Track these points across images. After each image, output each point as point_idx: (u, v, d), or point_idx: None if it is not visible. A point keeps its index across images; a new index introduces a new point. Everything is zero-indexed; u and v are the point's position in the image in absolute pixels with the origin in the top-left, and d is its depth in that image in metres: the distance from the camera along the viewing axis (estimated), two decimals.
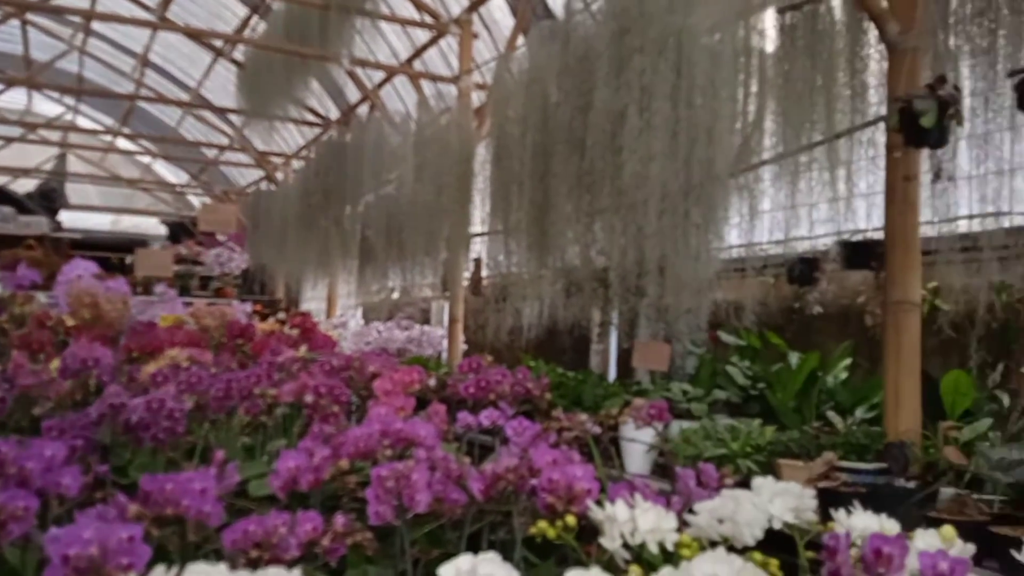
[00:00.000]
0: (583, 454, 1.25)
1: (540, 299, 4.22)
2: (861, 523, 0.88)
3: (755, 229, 3.67)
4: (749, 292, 3.84)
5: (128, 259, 6.73)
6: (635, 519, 0.83)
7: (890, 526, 0.92)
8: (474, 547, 1.16)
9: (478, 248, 5.47)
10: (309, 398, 1.44)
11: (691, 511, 0.99)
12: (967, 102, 2.53)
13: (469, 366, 1.92)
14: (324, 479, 1.08)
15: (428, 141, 4.89)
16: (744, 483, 2.71)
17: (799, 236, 3.37)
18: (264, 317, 5.64)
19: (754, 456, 2.72)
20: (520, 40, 4.97)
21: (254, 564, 0.83)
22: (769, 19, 2.99)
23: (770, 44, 3.11)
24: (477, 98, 5.40)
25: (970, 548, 0.90)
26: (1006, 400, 2.58)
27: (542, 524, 0.91)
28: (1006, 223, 2.62)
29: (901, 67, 2.55)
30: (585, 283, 3.97)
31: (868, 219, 3.13)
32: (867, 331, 3.27)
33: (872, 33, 2.78)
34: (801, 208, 3.30)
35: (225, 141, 10.27)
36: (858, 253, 2.86)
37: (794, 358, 3.38)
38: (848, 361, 3.31)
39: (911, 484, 2.32)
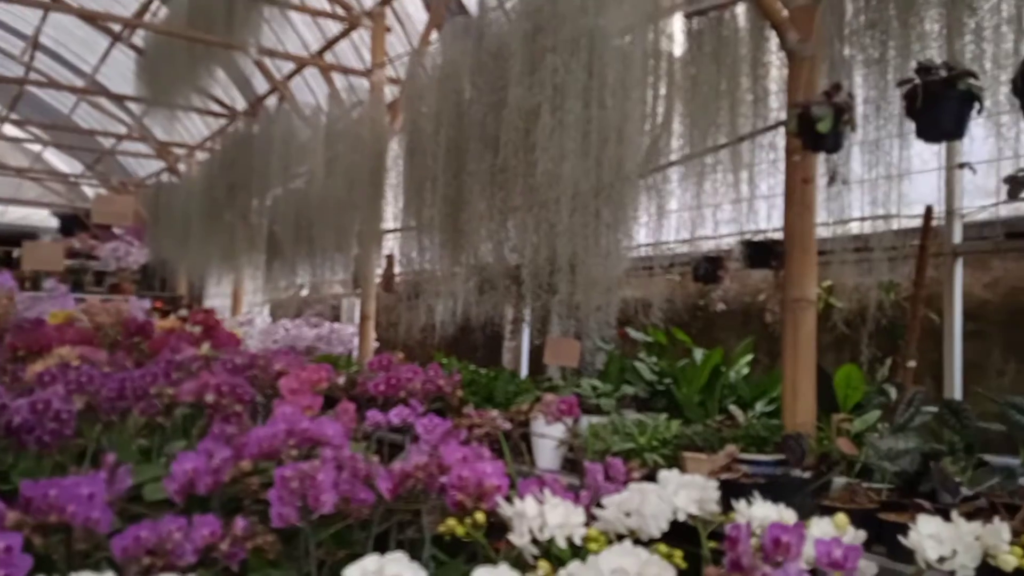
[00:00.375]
0: (493, 451, 1.25)
1: (453, 296, 4.21)
2: (761, 513, 0.91)
3: (662, 228, 3.77)
4: (656, 290, 3.94)
5: (15, 252, 6.33)
6: (544, 514, 0.84)
7: (788, 515, 0.95)
8: (382, 547, 1.14)
9: (390, 244, 5.40)
10: (210, 397, 1.39)
11: (599, 505, 1.00)
12: (860, 109, 2.67)
13: (379, 363, 1.89)
14: (224, 481, 1.04)
15: (339, 135, 4.80)
16: (651, 476, 2.78)
17: (704, 236, 3.48)
18: (165, 314, 5.42)
19: (660, 450, 2.79)
20: (434, 35, 4.93)
21: (147, 572, 0.79)
22: (677, 24, 3.06)
23: (678, 48, 3.19)
24: (390, 93, 5.33)
25: (861, 535, 0.95)
26: (893, 393, 2.72)
27: (451, 522, 0.90)
28: (895, 225, 2.78)
29: (800, 74, 2.66)
30: (498, 280, 3.98)
31: (769, 220, 3.24)
32: (767, 328, 3.40)
33: (774, 41, 2.89)
34: (706, 208, 3.40)
35: (123, 130, 9.81)
36: (759, 252, 2.97)
37: (699, 354, 3.47)
38: (749, 357, 3.43)
39: (807, 474, 2.43)
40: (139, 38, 7.34)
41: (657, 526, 0.89)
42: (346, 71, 6.07)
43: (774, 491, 2.48)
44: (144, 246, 7.53)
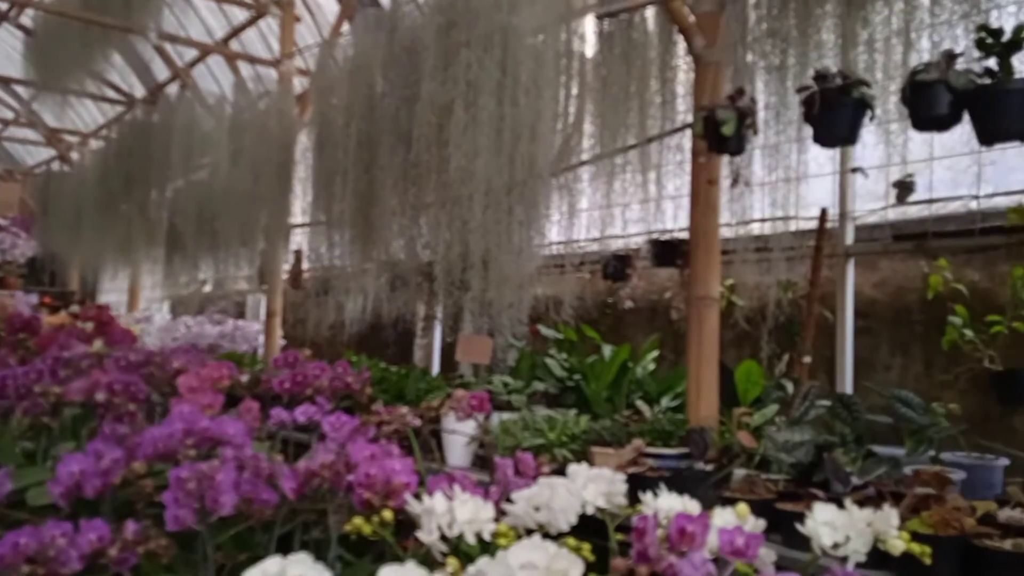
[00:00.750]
0: (403, 448, 1.23)
1: (364, 293, 4.14)
2: (666, 505, 0.93)
3: (573, 227, 3.81)
4: (567, 287, 3.98)
5: None
6: (453, 511, 0.83)
7: (692, 507, 0.97)
8: (286, 549, 1.11)
9: (299, 240, 5.27)
10: (101, 396, 1.32)
11: (509, 500, 1.00)
12: (761, 115, 2.77)
13: (285, 360, 1.84)
14: (115, 484, 0.99)
15: (245, 126, 4.64)
16: (561, 471, 2.80)
17: (614, 235, 3.54)
18: (55, 310, 5.13)
19: (570, 445, 2.82)
20: (345, 27, 4.84)
21: None
22: (589, 25, 3.11)
23: (590, 49, 3.24)
24: (299, 84, 5.20)
25: (761, 523, 0.98)
26: (790, 387, 2.84)
27: (357, 520, 0.88)
28: (792, 226, 2.90)
29: (706, 78, 2.74)
30: (410, 277, 3.94)
31: (675, 220, 3.33)
32: (673, 325, 3.49)
33: (682, 45, 2.96)
34: (616, 208, 3.47)
35: (10, 115, 9.22)
36: (666, 251, 3.05)
37: (608, 350, 3.54)
38: (656, 353, 3.51)
39: (709, 467, 2.51)
40: (28, 18, 6.90)
41: (566, 520, 0.90)
42: (253, 60, 5.89)
43: (679, 483, 2.54)
44: (32, 238, 7.10)
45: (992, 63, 1.79)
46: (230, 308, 6.80)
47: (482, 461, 3.04)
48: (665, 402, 3.19)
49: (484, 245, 3.28)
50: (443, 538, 0.89)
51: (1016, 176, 2.65)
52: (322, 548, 1.18)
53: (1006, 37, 1.76)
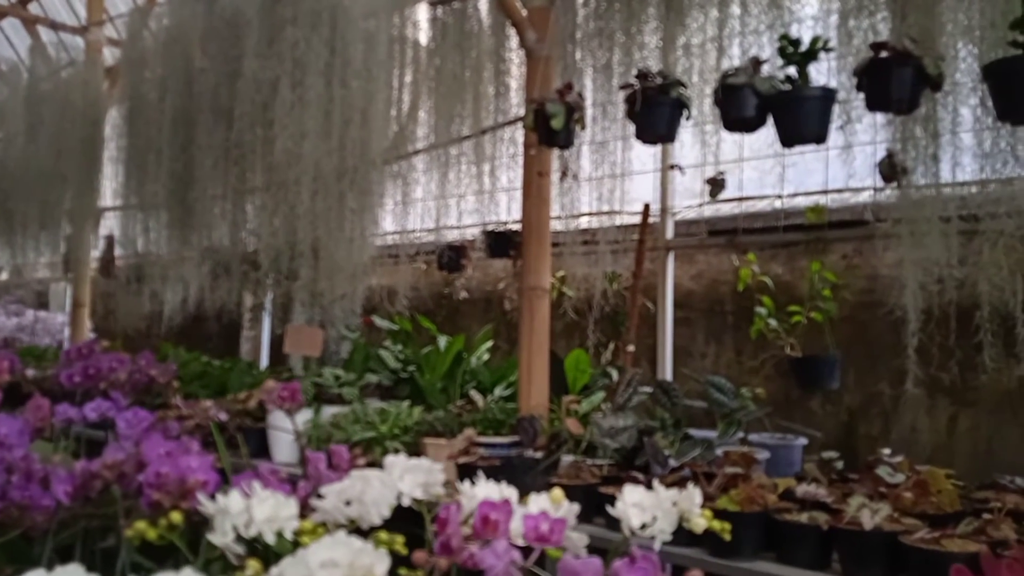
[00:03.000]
0: (208, 444, 1.15)
1: (184, 282, 3.88)
2: (485, 492, 0.92)
3: (409, 216, 3.76)
4: (402, 278, 3.93)
5: None
6: (250, 509, 0.77)
7: (510, 493, 0.97)
8: (70, 557, 1.00)
9: (111, 224, 4.86)
10: None
11: (320, 496, 0.95)
12: (590, 112, 2.85)
13: (79, 352, 1.67)
14: None
15: (45, 97, 4.21)
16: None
17: (449, 225, 3.53)
18: None
19: (402, 437, 2.78)
20: None
21: None
22: (423, 11, 3.06)
23: (424, 37, 3.20)
24: (110, 55, 4.78)
25: (574, 508, 0.98)
26: (615, 375, 2.94)
27: (140, 525, 0.80)
28: (618, 220, 3.01)
29: (537, 72, 2.77)
30: (233, 265, 3.73)
31: (509, 212, 3.36)
32: (507, 315, 3.53)
33: (515, 38, 2.99)
34: (451, 198, 3.45)
35: None
36: (499, 242, 3.06)
37: (443, 341, 3.52)
38: (490, 343, 3.54)
39: (539, 454, 2.55)
40: None
41: (379, 513, 0.86)
42: (56, 27, 5.35)
43: (509, 471, 2.59)
44: None
45: (792, 71, 1.92)
46: (29, 298, 6.18)
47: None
48: (499, 391, 3.22)
49: (314, 232, 3.17)
50: (243, 539, 0.83)
51: (814, 178, 2.89)
52: (116, 556, 1.08)
53: (804, 47, 1.90)
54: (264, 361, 4.72)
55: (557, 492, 0.97)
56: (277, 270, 3.56)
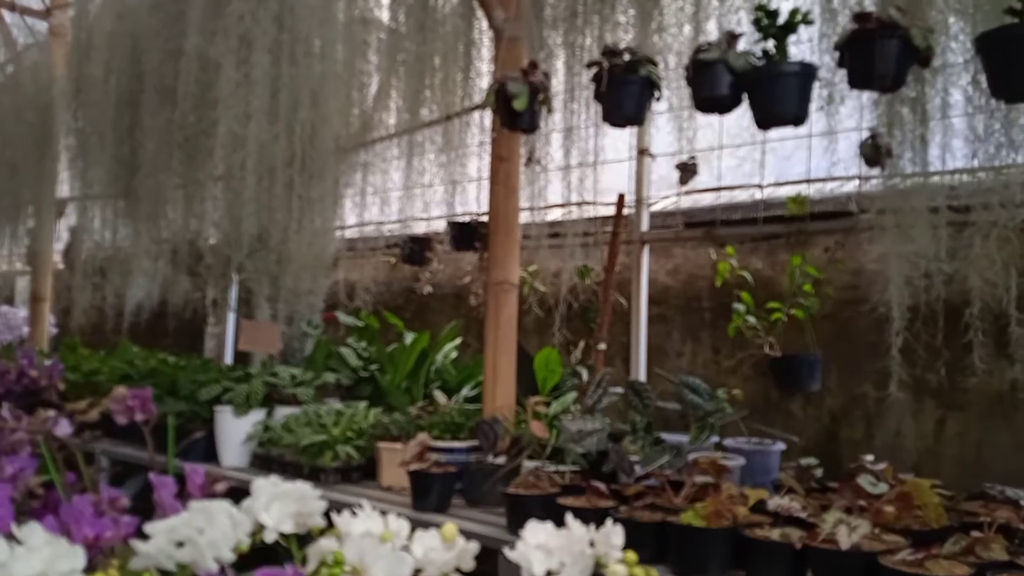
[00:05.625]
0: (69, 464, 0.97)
1: (146, 276, 3.70)
2: (362, 527, 0.75)
3: (375, 207, 3.59)
4: (368, 272, 3.76)
5: None
6: (7, 565, 0.59)
7: (399, 527, 0.80)
8: None
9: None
10: None
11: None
12: (560, 96, 2.68)
13: None
14: None
15: (8, 83, 4.02)
16: (345, 470, 2.56)
17: (416, 216, 3.36)
18: None
19: (355, 441, 2.61)
20: None
21: None
22: None
23: (387, 15, 3.02)
24: None
25: (472, 548, 0.82)
26: (586, 375, 2.78)
27: None
28: (590, 212, 2.84)
29: (506, 53, 2.60)
30: (193, 259, 3.56)
31: (479, 203, 3.20)
32: (476, 311, 3.36)
33: (484, 18, 2.82)
34: (418, 188, 3.28)
35: None
36: (464, 234, 2.90)
37: (410, 338, 3.35)
38: (458, 341, 3.37)
39: (500, 459, 2.39)
40: None
41: (218, 557, 0.69)
42: (19, 10, 5.14)
43: (467, 479, 2.43)
44: None
45: (770, 45, 1.76)
46: None
47: (262, 461, 2.77)
48: (466, 391, 3.05)
49: (272, 223, 3.00)
50: None
51: (796, 167, 2.74)
52: None
53: (782, 19, 1.74)
54: (228, 359, 4.54)
55: (450, 528, 0.80)
56: (237, 265, 3.39)
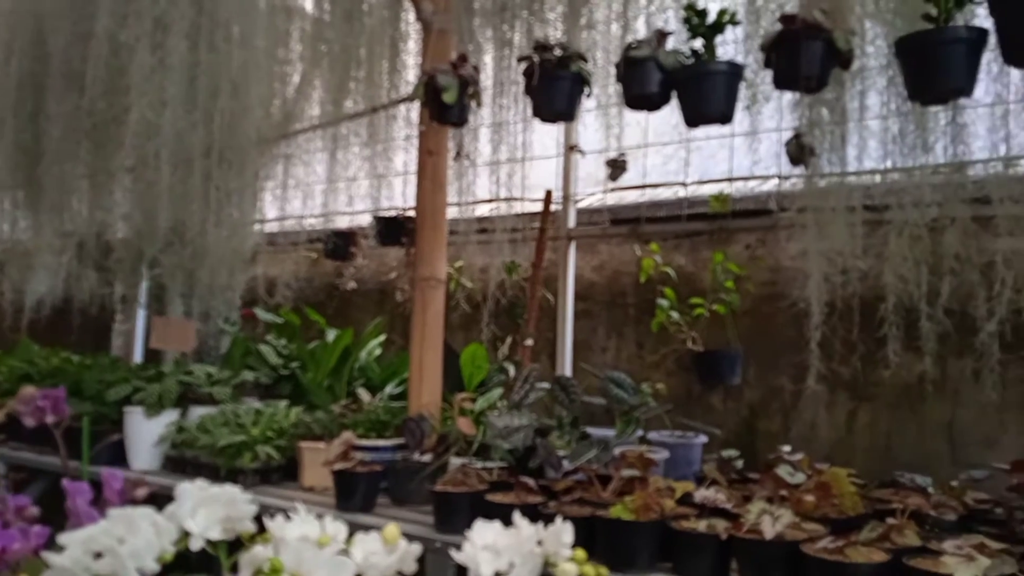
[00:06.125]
0: None
1: (51, 271, 3.50)
2: (298, 532, 0.72)
3: (297, 201, 3.50)
4: (291, 267, 3.65)
5: None
6: None
7: (334, 530, 0.76)
8: None
9: None
10: None
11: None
12: (489, 91, 2.66)
13: None
14: None
15: None
16: (265, 471, 2.47)
17: (340, 211, 3.29)
18: None
19: (275, 441, 2.53)
20: None
21: None
22: None
23: (311, 4, 2.94)
24: None
25: (415, 550, 0.79)
26: (513, 371, 2.77)
27: None
28: (518, 207, 2.84)
29: (434, 46, 2.57)
30: (101, 253, 3.38)
31: (404, 198, 3.15)
32: (401, 308, 3.31)
33: (412, 10, 2.78)
34: (342, 182, 3.21)
35: None
36: (390, 229, 2.85)
37: (332, 335, 3.27)
38: (383, 337, 3.31)
39: (427, 457, 2.36)
40: None
41: (141, 567, 0.65)
42: None
43: (394, 477, 2.39)
44: None
45: (698, 44, 1.79)
46: None
47: (175, 464, 2.65)
48: (390, 389, 3.00)
49: (187, 216, 2.88)
50: None
51: (719, 166, 2.80)
52: None
53: (711, 19, 1.77)
54: (138, 357, 4.34)
55: (391, 530, 0.77)
56: (149, 258, 3.25)
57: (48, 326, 3.99)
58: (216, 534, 0.71)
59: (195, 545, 0.70)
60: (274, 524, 0.73)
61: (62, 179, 2.87)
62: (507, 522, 1.07)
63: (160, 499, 0.79)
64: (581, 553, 0.82)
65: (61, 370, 3.19)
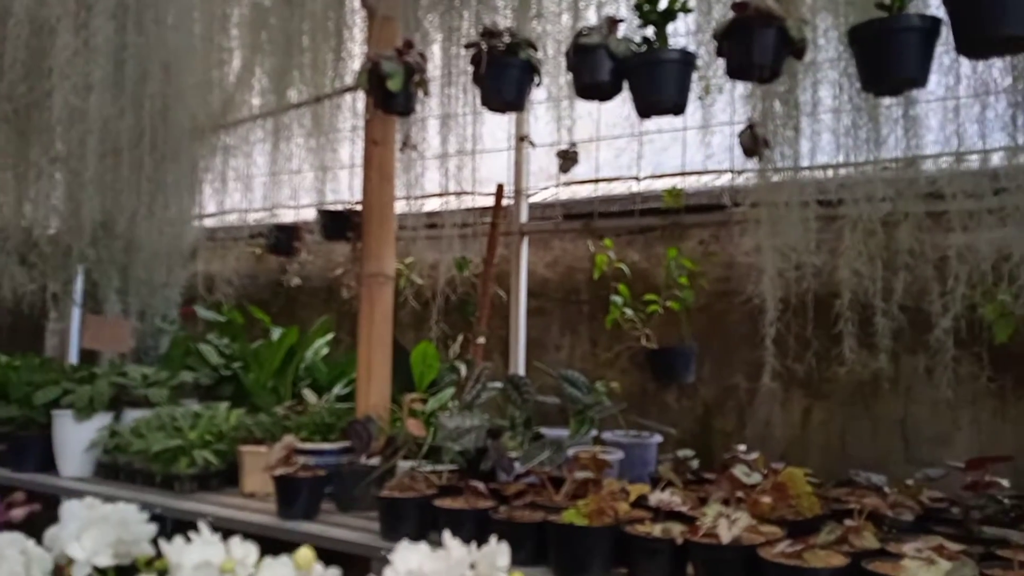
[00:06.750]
0: None
1: None
2: (199, 556, 0.63)
3: (239, 194, 3.36)
4: (232, 263, 3.52)
5: None
6: None
7: (243, 553, 0.68)
8: None
9: None
10: None
11: None
12: (437, 82, 2.58)
13: None
14: None
15: None
16: (203, 476, 2.35)
17: (284, 204, 3.16)
18: None
19: (214, 445, 2.42)
20: None
21: None
22: None
23: None
24: None
25: (333, 572, 0.71)
26: (464, 370, 2.69)
27: None
28: (469, 202, 2.76)
29: (378, 33, 2.47)
30: (28, 248, 3.21)
31: (351, 191, 3.05)
32: (348, 305, 3.21)
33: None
34: (287, 175, 3.09)
35: None
36: (336, 223, 2.75)
37: (277, 334, 3.15)
38: (330, 336, 3.20)
39: (374, 461, 2.27)
40: None
41: None
42: None
43: (339, 481, 2.29)
44: None
45: (650, 32, 1.73)
46: None
47: (107, 470, 2.52)
48: (337, 390, 2.89)
49: (121, 210, 2.74)
50: None
51: (672, 160, 2.75)
52: None
53: (662, 6, 1.71)
54: (74, 358, 4.15)
55: (305, 554, 0.69)
56: (80, 253, 3.09)
57: None
58: (105, 560, 0.62)
59: (80, 573, 0.61)
60: (171, 548, 0.64)
61: None
62: (455, 529, 1.00)
63: None
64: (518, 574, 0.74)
65: None
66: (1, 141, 2.50)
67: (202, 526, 0.67)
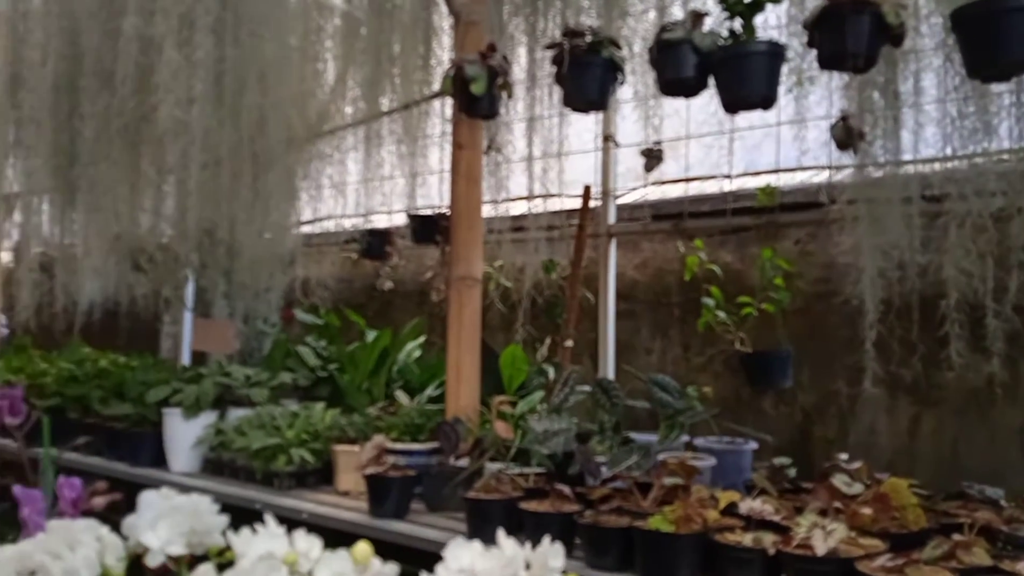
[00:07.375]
0: None
1: (99, 273, 3.54)
2: (264, 547, 0.64)
3: (336, 201, 3.47)
4: (329, 268, 3.63)
5: None
6: None
7: (307, 546, 0.69)
8: None
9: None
10: None
11: None
12: (523, 85, 2.58)
13: None
14: None
15: None
16: (300, 474, 2.42)
17: (378, 210, 3.24)
18: None
19: (310, 444, 2.49)
20: None
21: None
22: None
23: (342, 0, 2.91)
24: None
25: (390, 571, 0.71)
26: (552, 373, 2.68)
27: None
28: (556, 204, 2.75)
29: (464, 37, 2.50)
30: (144, 256, 3.41)
31: (441, 196, 3.09)
32: (440, 307, 3.26)
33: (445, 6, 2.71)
34: (379, 181, 3.17)
35: None
36: (425, 227, 2.79)
37: (372, 336, 3.23)
38: (422, 339, 3.25)
39: (463, 462, 2.28)
40: None
41: None
42: None
43: (428, 482, 2.32)
44: None
45: (736, 24, 1.68)
46: None
47: (214, 466, 2.64)
48: (430, 391, 2.93)
49: (226, 218, 2.87)
50: None
51: (765, 157, 2.66)
52: None
53: None
54: (186, 359, 4.38)
55: (363, 548, 0.70)
56: (188, 259, 3.26)
57: (101, 328, 4.06)
58: (179, 549, 0.65)
59: (154, 561, 0.64)
60: (238, 539, 0.66)
61: (100, 181, 2.89)
62: (540, 532, 0.99)
63: None
64: None
65: (106, 372, 3.22)
66: (115, 154, 2.65)
67: (268, 519, 0.69)
